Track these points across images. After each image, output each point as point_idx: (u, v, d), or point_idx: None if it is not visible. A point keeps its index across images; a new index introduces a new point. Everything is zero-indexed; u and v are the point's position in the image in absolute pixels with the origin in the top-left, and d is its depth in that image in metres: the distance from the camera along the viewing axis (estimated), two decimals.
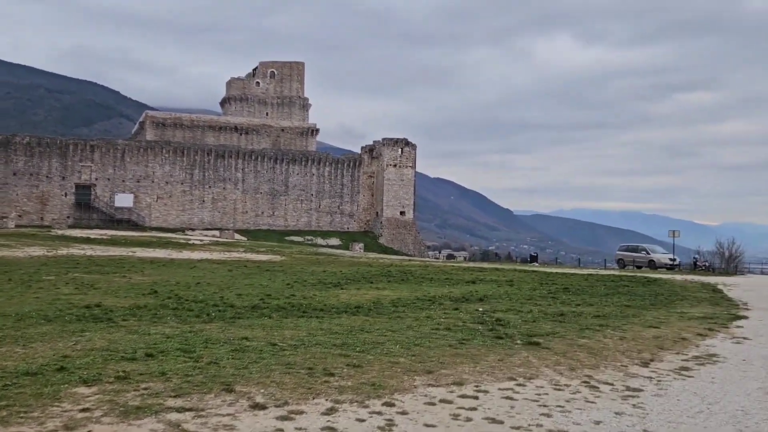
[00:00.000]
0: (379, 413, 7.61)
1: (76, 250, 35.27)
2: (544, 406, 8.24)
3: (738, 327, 15.14)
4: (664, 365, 10.84)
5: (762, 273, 48.71)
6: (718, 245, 67.61)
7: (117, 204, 74.95)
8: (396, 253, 72.28)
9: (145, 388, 8.13)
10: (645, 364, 10.84)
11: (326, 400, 8.00)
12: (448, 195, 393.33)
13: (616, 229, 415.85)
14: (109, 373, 8.80)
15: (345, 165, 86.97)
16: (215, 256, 36.69)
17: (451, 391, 8.67)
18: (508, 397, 8.52)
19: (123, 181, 76.00)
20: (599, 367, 10.46)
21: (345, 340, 11.63)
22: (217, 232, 71.27)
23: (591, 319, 15.20)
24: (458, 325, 13.82)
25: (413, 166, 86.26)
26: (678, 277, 29.94)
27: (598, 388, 9.21)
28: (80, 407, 7.35)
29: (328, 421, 7.27)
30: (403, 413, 7.68)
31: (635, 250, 45.01)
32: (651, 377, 9.98)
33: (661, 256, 42.59)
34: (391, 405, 7.94)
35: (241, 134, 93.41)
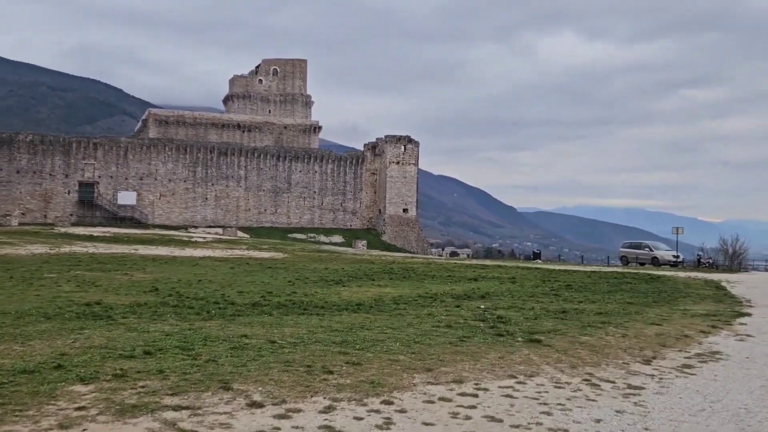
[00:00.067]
0: (378, 411, 7.55)
1: (79, 248, 35.27)
2: (545, 404, 8.17)
3: (741, 324, 15.04)
4: (667, 363, 10.76)
5: (766, 270, 48.51)
6: (722, 242, 67.39)
7: (120, 202, 75.11)
8: (399, 250, 72.24)
9: (142, 386, 8.08)
10: (647, 362, 10.76)
11: (324, 398, 7.94)
12: (451, 192, 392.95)
13: (620, 226, 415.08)
14: (107, 371, 8.76)
15: (348, 162, 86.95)
16: (217, 253, 36.67)
17: (451, 389, 8.61)
18: (508, 395, 8.45)
19: (126, 178, 76.13)
20: (601, 365, 10.38)
21: (345, 337, 11.57)
22: (220, 230, 71.30)
23: (593, 317, 15.12)
24: (459, 322, 13.76)
25: (416, 164, 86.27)
26: (681, 274, 29.80)
27: (599, 385, 9.13)
28: (76, 405, 7.30)
29: (326, 419, 7.21)
30: (402, 411, 7.61)
31: (638, 247, 44.92)
32: (653, 375, 9.89)
33: (665, 253, 42.48)
34: (390, 403, 7.88)
35: (243, 132, 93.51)
